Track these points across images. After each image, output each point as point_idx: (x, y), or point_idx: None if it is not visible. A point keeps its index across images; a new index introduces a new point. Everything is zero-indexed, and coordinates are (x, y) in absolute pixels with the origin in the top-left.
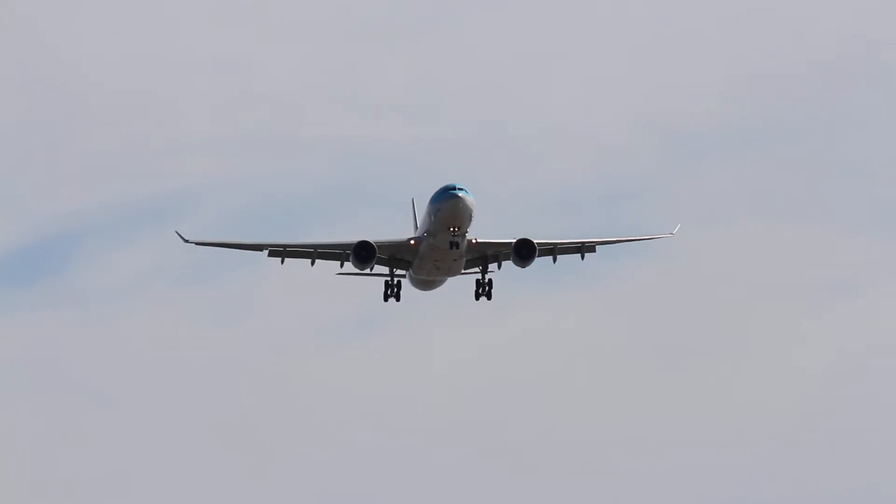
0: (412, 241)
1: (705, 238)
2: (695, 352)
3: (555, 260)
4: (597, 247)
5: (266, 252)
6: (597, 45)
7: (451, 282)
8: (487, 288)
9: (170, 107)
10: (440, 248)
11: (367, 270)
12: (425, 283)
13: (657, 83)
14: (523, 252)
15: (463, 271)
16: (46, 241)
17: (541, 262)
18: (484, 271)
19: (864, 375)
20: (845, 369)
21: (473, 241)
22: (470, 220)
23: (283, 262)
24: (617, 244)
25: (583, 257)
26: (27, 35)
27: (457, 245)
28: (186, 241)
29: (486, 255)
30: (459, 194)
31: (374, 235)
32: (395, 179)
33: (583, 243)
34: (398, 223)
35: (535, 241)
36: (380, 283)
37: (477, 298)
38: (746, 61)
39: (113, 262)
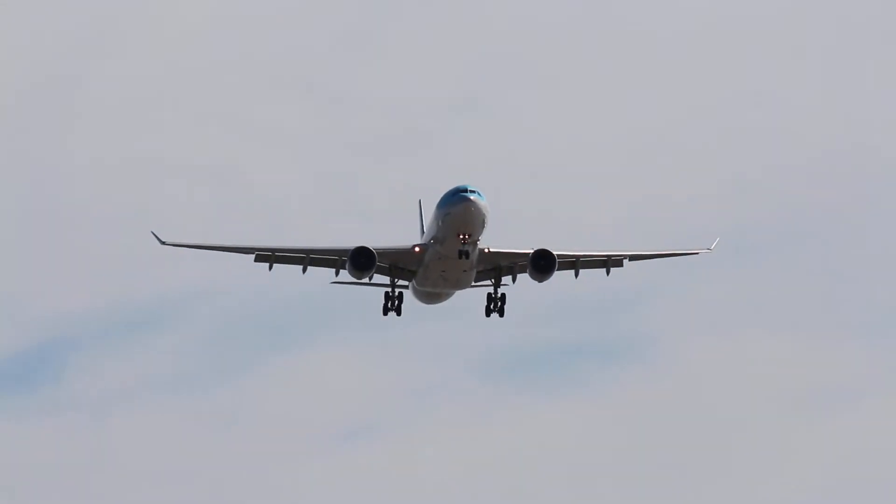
0: (417, 249)
1: (701, 344)
2: (676, 467)
3: (577, 274)
4: (625, 262)
5: (253, 257)
6: (589, 154)
7: (460, 295)
8: (500, 303)
9: (161, 210)
10: (448, 257)
11: (366, 280)
12: (430, 296)
13: (650, 189)
14: (541, 264)
15: (473, 284)
16: (32, 347)
17: (561, 277)
18: (496, 284)
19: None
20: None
21: (486, 250)
22: (482, 227)
23: (270, 268)
24: (648, 259)
25: (608, 272)
26: (17, 134)
27: (467, 254)
28: (164, 244)
29: (499, 267)
30: (471, 197)
31: (375, 241)
32: None
33: (609, 257)
34: (402, 228)
35: (555, 253)
36: (379, 294)
37: (488, 315)
38: (740, 168)
39: (102, 369)
